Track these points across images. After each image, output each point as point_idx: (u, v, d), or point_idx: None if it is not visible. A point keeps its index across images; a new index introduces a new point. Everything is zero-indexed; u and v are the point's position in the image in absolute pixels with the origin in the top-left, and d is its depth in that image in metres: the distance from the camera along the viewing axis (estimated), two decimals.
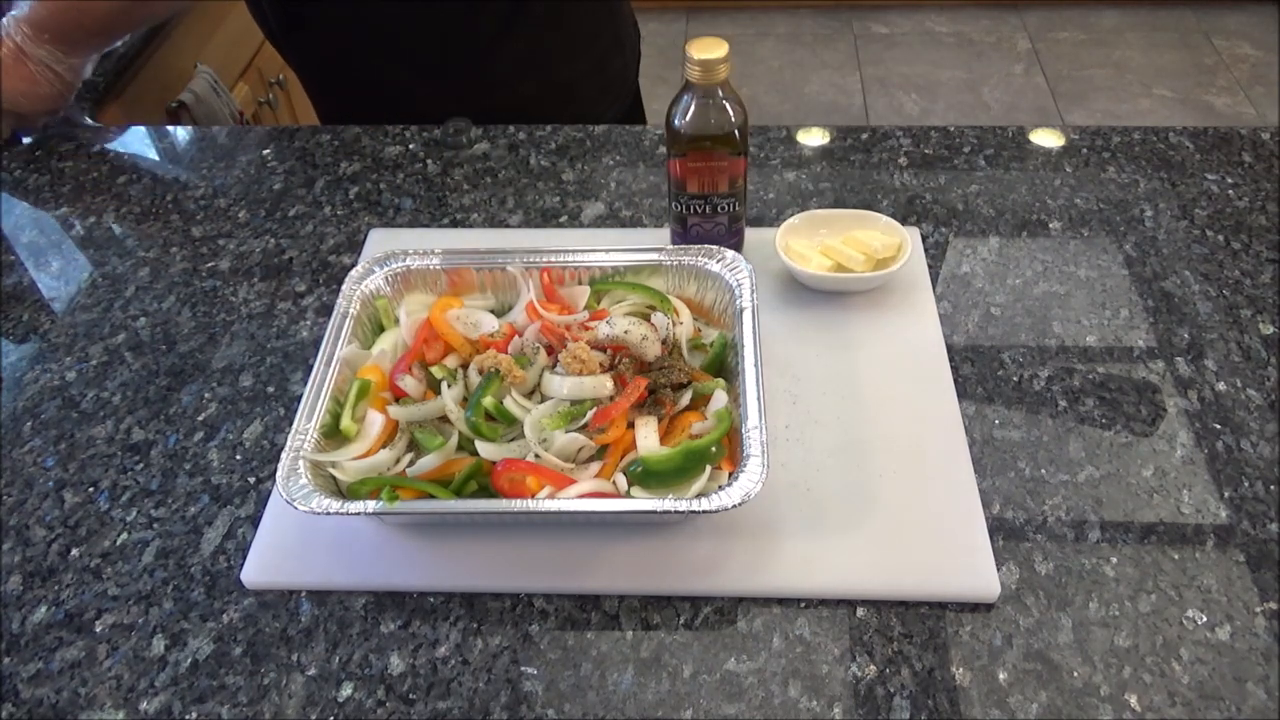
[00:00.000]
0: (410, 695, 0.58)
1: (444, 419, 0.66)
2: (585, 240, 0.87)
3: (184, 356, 0.80)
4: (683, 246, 0.75)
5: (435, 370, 0.68)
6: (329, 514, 0.59)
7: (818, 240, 0.82)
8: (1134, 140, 0.97)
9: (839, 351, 0.76)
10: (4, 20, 0.99)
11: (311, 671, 0.59)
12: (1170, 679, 0.57)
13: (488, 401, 0.64)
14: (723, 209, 0.77)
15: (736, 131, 0.72)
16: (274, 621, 0.62)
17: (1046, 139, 0.98)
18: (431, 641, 0.61)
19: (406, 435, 0.67)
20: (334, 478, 0.64)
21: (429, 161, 0.99)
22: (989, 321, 0.79)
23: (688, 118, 0.72)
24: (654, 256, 0.75)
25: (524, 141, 1.00)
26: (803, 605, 0.61)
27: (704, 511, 0.57)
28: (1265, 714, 0.55)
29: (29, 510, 0.69)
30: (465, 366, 0.69)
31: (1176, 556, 0.63)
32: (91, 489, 0.70)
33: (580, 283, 0.76)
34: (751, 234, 0.84)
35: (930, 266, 0.83)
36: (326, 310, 0.83)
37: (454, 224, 0.92)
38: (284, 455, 0.61)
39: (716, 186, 0.76)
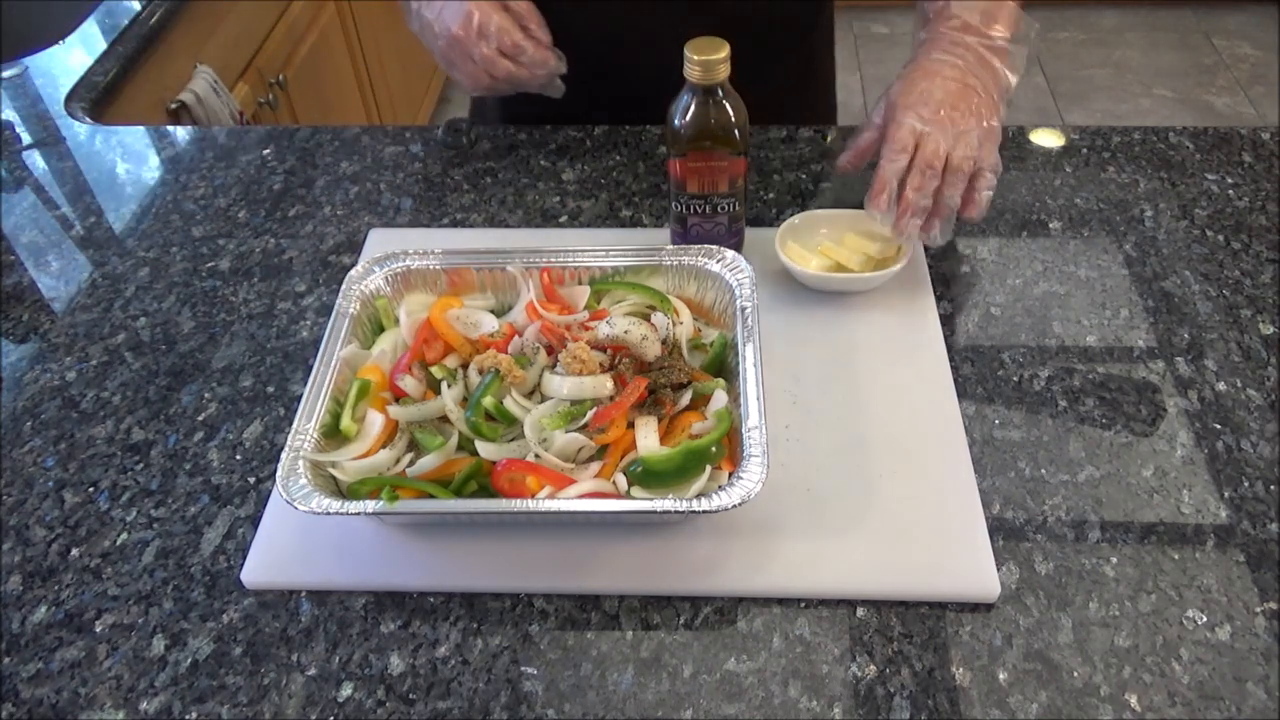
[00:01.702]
0: (410, 695, 0.58)
1: (444, 419, 0.66)
2: (585, 240, 0.87)
3: (184, 356, 0.80)
4: (683, 246, 0.75)
5: (435, 370, 0.68)
6: (329, 514, 0.59)
7: (818, 240, 0.82)
8: (1134, 140, 0.97)
9: (839, 351, 0.76)
10: None
11: (311, 671, 0.59)
12: (1170, 679, 0.57)
13: (488, 401, 0.64)
14: (723, 209, 0.77)
15: (736, 131, 0.72)
16: (274, 621, 0.62)
17: (1046, 139, 0.98)
18: (431, 641, 0.60)
19: (406, 435, 0.67)
20: (334, 478, 0.64)
21: (429, 161, 0.99)
22: (989, 321, 0.79)
23: (688, 118, 0.72)
24: (654, 256, 0.75)
25: (524, 142, 1.00)
26: (803, 605, 0.61)
27: (704, 511, 0.57)
28: (1265, 714, 0.55)
29: (29, 510, 0.69)
30: (465, 366, 0.69)
31: (1176, 556, 0.63)
32: (91, 489, 0.70)
33: (580, 283, 0.76)
34: (751, 234, 0.84)
35: (930, 266, 0.83)
36: (326, 310, 0.83)
37: (454, 224, 0.92)
38: (284, 455, 0.61)
39: (716, 186, 0.76)
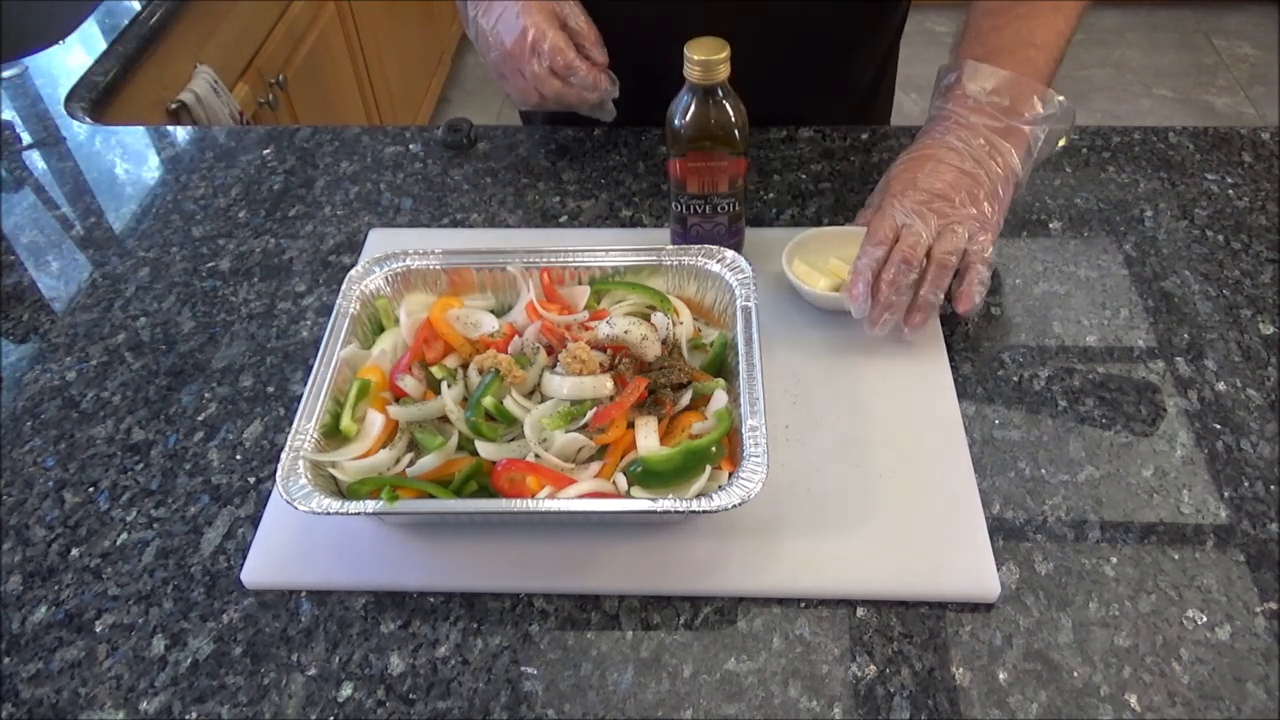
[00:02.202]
0: (410, 695, 0.58)
1: (444, 419, 0.66)
2: (585, 240, 0.87)
3: (184, 356, 0.80)
4: (683, 247, 0.75)
5: (435, 370, 0.68)
6: (329, 514, 0.59)
7: (826, 258, 0.81)
8: (1134, 140, 0.97)
9: (839, 352, 0.76)
10: None
11: (311, 671, 0.59)
12: (1170, 679, 0.57)
13: (488, 401, 0.64)
14: (723, 209, 0.77)
15: (736, 131, 0.72)
16: (274, 621, 0.62)
17: None
18: (431, 641, 0.61)
19: (406, 435, 0.67)
20: (334, 478, 0.64)
21: (429, 161, 0.99)
22: (989, 321, 0.79)
23: (688, 118, 0.72)
24: (654, 256, 0.75)
25: (524, 141, 1.00)
26: (803, 605, 0.61)
27: (704, 511, 0.57)
28: (1265, 714, 0.55)
29: (29, 510, 0.69)
30: (465, 366, 0.69)
31: (1176, 556, 0.63)
32: (91, 489, 0.70)
33: (580, 283, 0.76)
34: (751, 234, 0.84)
35: None
36: (326, 310, 0.83)
37: (454, 224, 0.92)
38: (284, 455, 0.61)
39: (716, 186, 0.76)
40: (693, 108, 0.72)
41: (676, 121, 0.73)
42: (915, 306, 0.73)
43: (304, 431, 0.63)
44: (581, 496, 0.61)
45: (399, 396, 0.68)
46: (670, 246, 0.75)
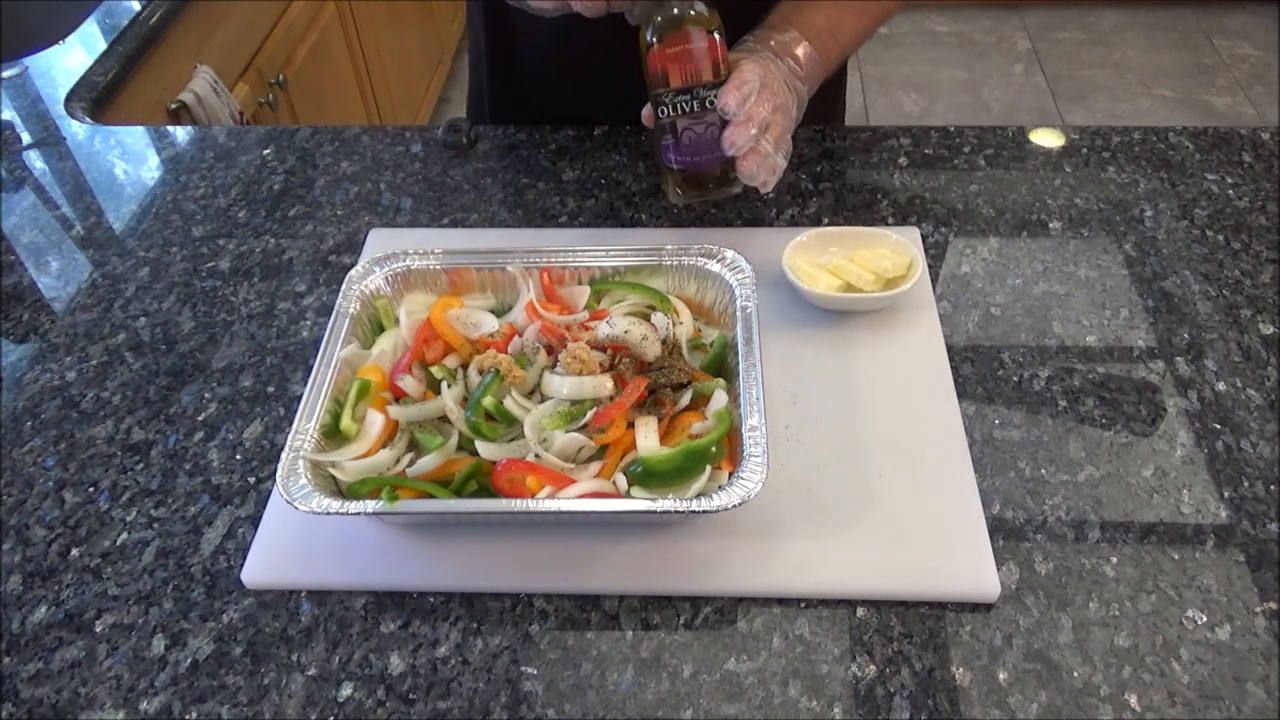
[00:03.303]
0: (410, 695, 0.58)
1: (444, 419, 0.66)
2: (585, 240, 0.87)
3: (184, 356, 0.80)
4: (683, 246, 0.75)
5: (435, 370, 0.68)
6: (329, 514, 0.59)
7: (826, 259, 0.81)
8: (1134, 140, 0.97)
9: (839, 351, 0.76)
10: None
11: (311, 671, 0.59)
12: (1170, 679, 0.57)
13: (488, 401, 0.64)
14: (711, 103, 0.73)
15: (706, 4, 0.71)
16: (274, 621, 0.62)
17: (1046, 139, 0.98)
18: (431, 641, 0.61)
19: (406, 435, 0.67)
20: (334, 478, 0.64)
21: (429, 161, 0.99)
22: (989, 321, 0.79)
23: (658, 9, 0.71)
24: (654, 257, 0.75)
25: (524, 142, 1.00)
26: (803, 605, 0.61)
27: (704, 511, 0.57)
28: (1265, 714, 0.55)
29: (29, 510, 0.69)
30: (465, 366, 0.69)
31: (1176, 556, 0.63)
32: (91, 489, 0.70)
33: (580, 283, 0.76)
34: (752, 233, 0.84)
35: (930, 266, 0.83)
36: (326, 310, 0.83)
37: (454, 224, 0.92)
38: (284, 455, 0.61)
39: (701, 76, 0.72)
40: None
41: (646, 18, 0.71)
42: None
43: (304, 431, 0.63)
44: (581, 496, 0.61)
45: (399, 396, 0.68)
46: (670, 246, 0.75)
